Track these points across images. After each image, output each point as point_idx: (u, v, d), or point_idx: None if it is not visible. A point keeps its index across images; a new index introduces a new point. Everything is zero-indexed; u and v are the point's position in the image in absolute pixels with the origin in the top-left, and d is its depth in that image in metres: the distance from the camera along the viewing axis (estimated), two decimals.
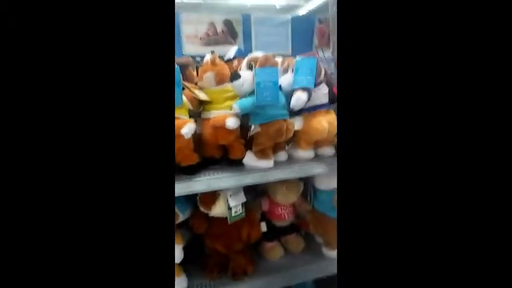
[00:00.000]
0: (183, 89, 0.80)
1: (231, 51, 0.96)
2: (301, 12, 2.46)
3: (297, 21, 2.46)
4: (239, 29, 2.84)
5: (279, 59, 0.94)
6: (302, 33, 2.47)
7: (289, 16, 2.49)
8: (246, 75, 0.77)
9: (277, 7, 2.49)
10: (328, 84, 0.91)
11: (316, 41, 2.43)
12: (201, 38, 2.97)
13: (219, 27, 2.81)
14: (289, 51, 2.43)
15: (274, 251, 1.02)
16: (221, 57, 0.95)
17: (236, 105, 0.76)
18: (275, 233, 1.04)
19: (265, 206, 1.01)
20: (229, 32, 2.83)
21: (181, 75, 0.79)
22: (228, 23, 2.82)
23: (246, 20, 2.81)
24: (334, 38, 1.24)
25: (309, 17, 2.36)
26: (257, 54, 0.81)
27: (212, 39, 2.88)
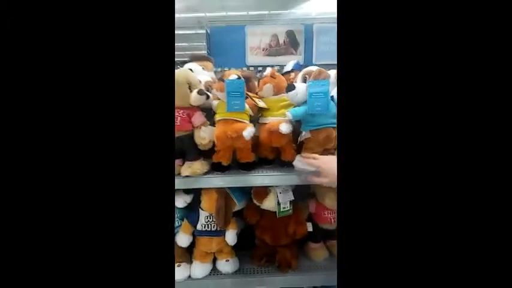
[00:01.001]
0: (246, 97, 0.94)
1: (289, 64, 1.07)
2: None
3: None
4: (301, 39, 2.93)
5: (334, 71, 1.00)
6: None
7: None
8: (300, 86, 0.87)
9: None
10: None
11: None
12: (263, 49, 3.16)
13: (282, 38, 2.95)
14: None
15: (318, 251, 1.07)
16: (281, 67, 1.07)
17: (289, 113, 0.86)
18: (321, 235, 1.10)
19: (312, 208, 1.08)
20: (291, 42, 2.94)
21: (245, 86, 0.93)
22: (290, 34, 2.94)
23: (308, 30, 2.88)
24: None
25: None
26: (311, 68, 0.90)
27: (274, 50, 3.04)
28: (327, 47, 3.06)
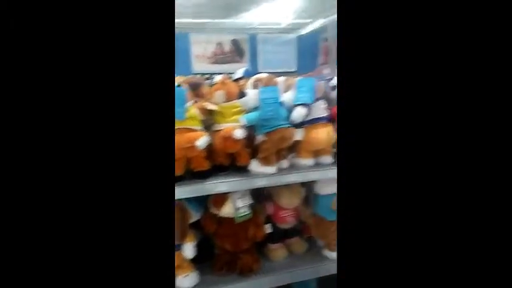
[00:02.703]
0: (196, 102, 0.93)
1: (239, 72, 1.10)
2: (306, 31, 2.57)
3: (302, 40, 2.58)
4: (246, 48, 3.01)
5: (282, 78, 1.06)
6: (307, 51, 2.59)
7: (294, 35, 2.62)
8: (251, 93, 0.89)
9: (283, 26, 2.62)
10: (327, 100, 1.03)
11: (321, 59, 2.54)
12: (209, 57, 3.15)
13: (227, 47, 2.98)
14: (295, 69, 2.55)
15: (278, 252, 1.10)
16: (229, 74, 1.09)
17: (243, 119, 0.88)
18: (279, 235, 1.13)
19: (269, 209, 1.10)
20: (236, 51, 2.99)
21: (189, 93, 0.91)
22: (235, 42, 3.00)
23: (253, 39, 2.98)
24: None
25: (314, 36, 2.48)
26: (261, 75, 0.94)
27: (219, 58, 3.05)
28: (271, 56, 3.20)
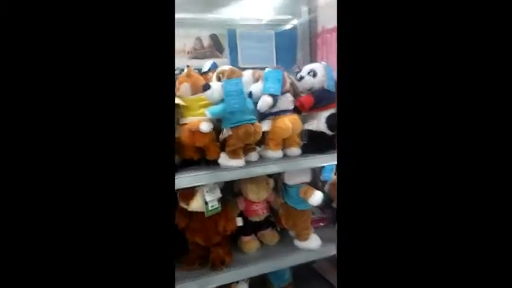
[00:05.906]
0: None
1: (206, 65, 1.09)
2: (286, 28, 2.57)
3: (280, 36, 2.60)
4: (225, 43, 2.99)
5: (249, 71, 1.06)
6: (286, 47, 2.61)
7: (273, 31, 2.63)
8: (215, 85, 0.89)
9: (264, 22, 2.62)
10: (293, 94, 1.04)
11: (299, 54, 2.56)
12: (188, 52, 3.11)
13: (206, 42, 2.95)
14: (274, 64, 2.56)
15: (250, 244, 1.11)
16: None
17: (208, 111, 0.88)
18: (252, 228, 1.14)
19: (241, 205, 1.11)
20: (216, 46, 2.97)
21: None
22: (214, 37, 2.97)
23: (232, 34, 2.96)
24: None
25: (292, 32, 2.49)
26: (224, 67, 0.94)
27: (199, 53, 3.02)
28: (250, 51, 3.19)
